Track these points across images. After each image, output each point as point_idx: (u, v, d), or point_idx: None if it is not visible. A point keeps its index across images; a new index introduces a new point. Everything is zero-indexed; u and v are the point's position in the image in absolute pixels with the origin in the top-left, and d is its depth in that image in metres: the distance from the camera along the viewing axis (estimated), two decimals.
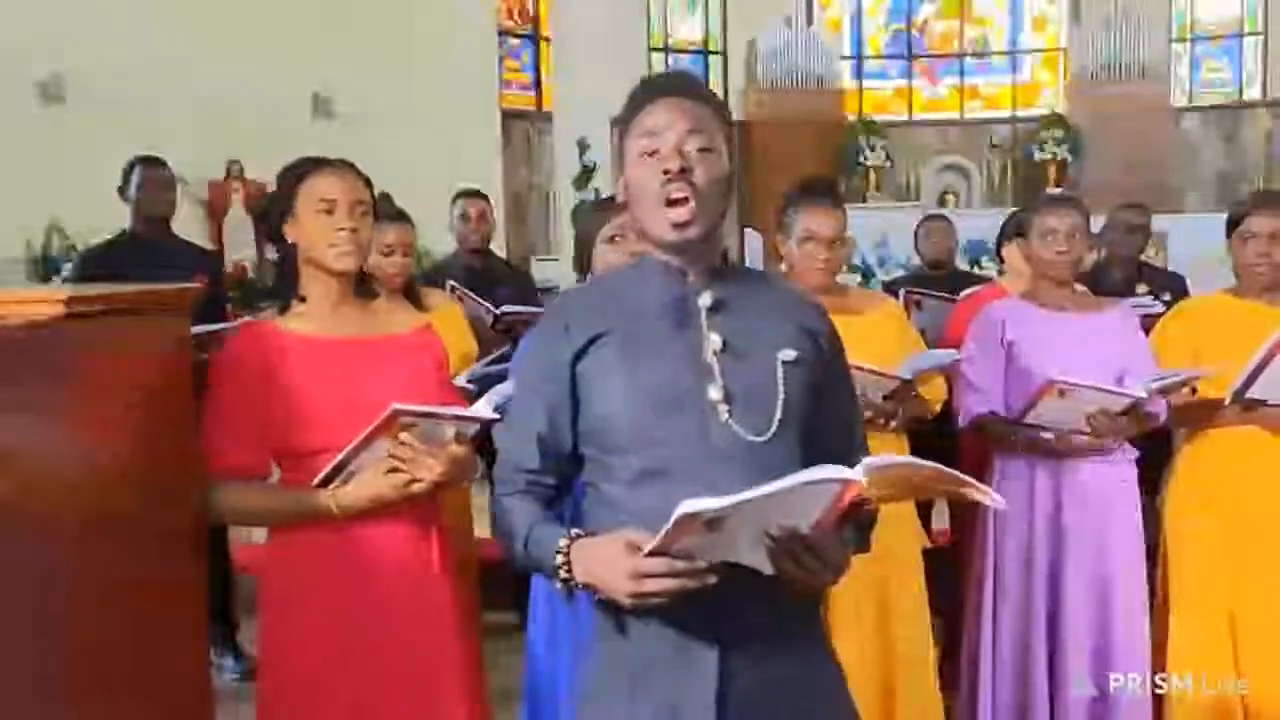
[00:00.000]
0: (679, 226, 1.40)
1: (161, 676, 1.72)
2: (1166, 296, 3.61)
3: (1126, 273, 3.84)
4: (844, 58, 13.35)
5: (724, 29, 13.31)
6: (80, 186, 5.86)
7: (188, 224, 6.27)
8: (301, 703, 1.83)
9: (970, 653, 2.68)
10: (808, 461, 1.32)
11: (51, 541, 1.43)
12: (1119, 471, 2.59)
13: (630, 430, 1.38)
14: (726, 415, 1.37)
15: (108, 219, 3.86)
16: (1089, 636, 2.57)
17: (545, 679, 2.08)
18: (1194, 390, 2.63)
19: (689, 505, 1.16)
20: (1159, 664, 2.63)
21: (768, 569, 1.26)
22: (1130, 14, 12.17)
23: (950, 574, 3.01)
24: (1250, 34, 12.68)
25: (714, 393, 1.38)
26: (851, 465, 1.20)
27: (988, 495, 1.30)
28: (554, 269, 7.38)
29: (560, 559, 1.35)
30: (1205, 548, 2.62)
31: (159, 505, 1.71)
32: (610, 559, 1.28)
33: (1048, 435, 2.53)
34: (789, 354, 1.41)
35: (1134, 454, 2.63)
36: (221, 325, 3.29)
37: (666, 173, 1.39)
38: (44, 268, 7.67)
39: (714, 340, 1.40)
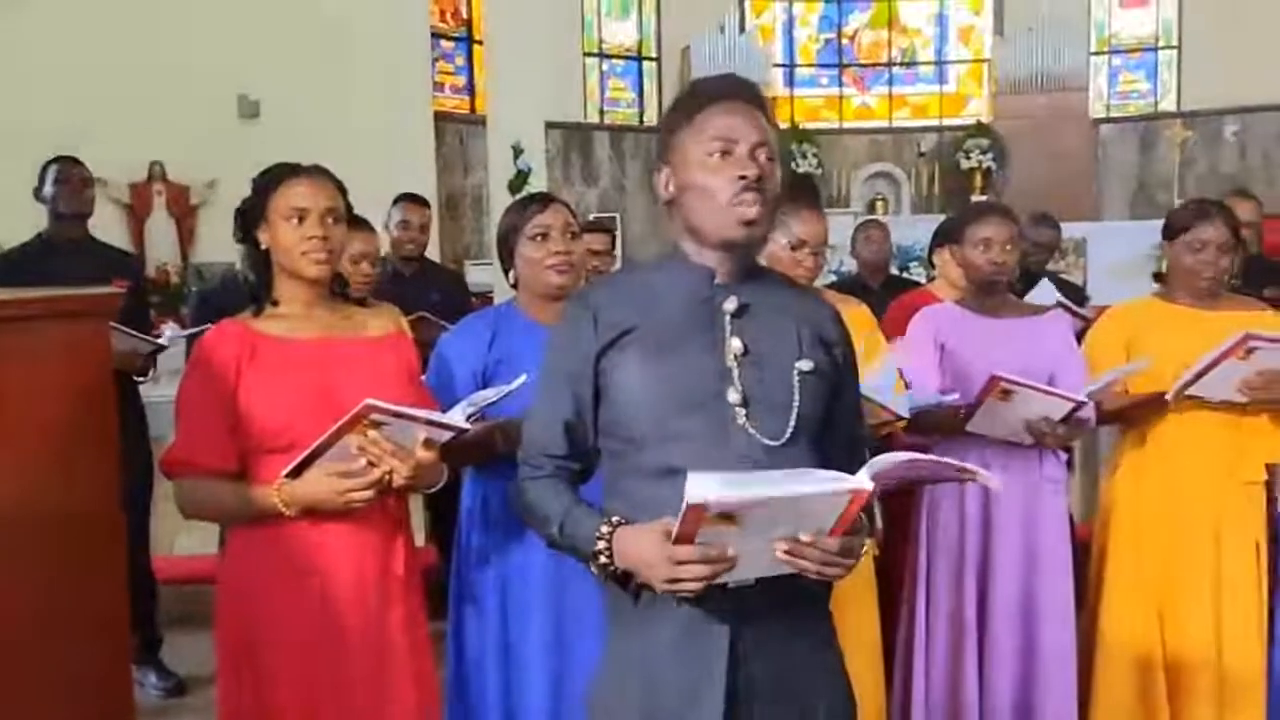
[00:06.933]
0: (748, 224, 1.43)
1: (82, 691, 1.67)
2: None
3: (1025, 282, 3.91)
4: (776, 65, 13.50)
5: (658, 35, 13.36)
6: None
7: (107, 226, 6.11)
8: (260, 702, 1.86)
9: (904, 651, 2.71)
10: (820, 465, 1.37)
11: None
12: (1047, 471, 2.65)
13: (649, 427, 1.41)
14: (744, 418, 1.41)
15: (23, 223, 3.73)
16: (1018, 637, 2.61)
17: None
18: (1126, 389, 2.70)
19: (694, 492, 1.19)
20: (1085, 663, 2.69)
21: (788, 570, 1.30)
22: (1052, 27, 12.51)
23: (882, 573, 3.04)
24: (1165, 48, 13.12)
25: (733, 396, 1.41)
26: (855, 468, 1.27)
27: (989, 479, 1.39)
28: (487, 273, 7.31)
29: (601, 544, 1.38)
30: (1139, 540, 2.69)
31: (77, 514, 1.66)
32: (649, 546, 1.31)
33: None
34: (806, 365, 1.45)
35: (1063, 455, 2.69)
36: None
37: (743, 178, 1.42)
38: None
39: (735, 345, 1.44)
